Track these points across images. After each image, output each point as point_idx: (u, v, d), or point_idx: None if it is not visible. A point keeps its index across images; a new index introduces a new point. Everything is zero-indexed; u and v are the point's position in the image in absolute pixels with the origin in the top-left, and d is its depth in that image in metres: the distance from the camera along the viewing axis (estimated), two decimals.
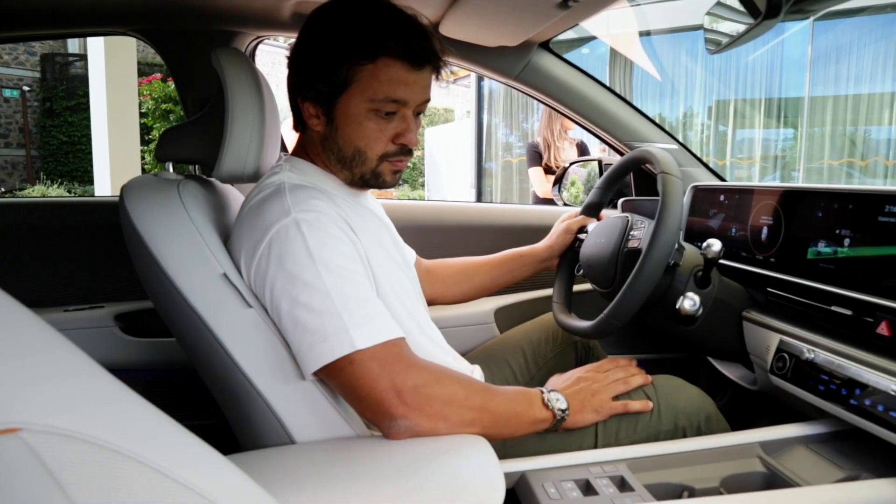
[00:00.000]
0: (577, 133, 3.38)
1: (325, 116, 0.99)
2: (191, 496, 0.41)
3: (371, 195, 1.20)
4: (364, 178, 1.03)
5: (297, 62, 0.99)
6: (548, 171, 3.32)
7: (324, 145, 1.02)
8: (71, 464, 0.35)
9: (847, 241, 1.01)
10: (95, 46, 6.38)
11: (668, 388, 1.12)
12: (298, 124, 1.06)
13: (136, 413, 0.43)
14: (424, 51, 0.95)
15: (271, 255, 0.89)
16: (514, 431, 0.96)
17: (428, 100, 1.02)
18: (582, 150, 3.30)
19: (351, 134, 0.98)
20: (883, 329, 0.92)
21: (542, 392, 1.00)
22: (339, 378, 0.86)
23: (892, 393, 0.86)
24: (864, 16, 6.87)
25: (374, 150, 0.99)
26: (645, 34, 7.81)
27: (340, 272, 0.88)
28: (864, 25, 6.90)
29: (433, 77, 1.02)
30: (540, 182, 3.36)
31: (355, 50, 0.93)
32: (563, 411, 0.98)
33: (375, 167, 1.01)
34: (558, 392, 1.01)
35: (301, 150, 1.07)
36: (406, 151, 1.02)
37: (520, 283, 1.55)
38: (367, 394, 0.84)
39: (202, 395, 1.18)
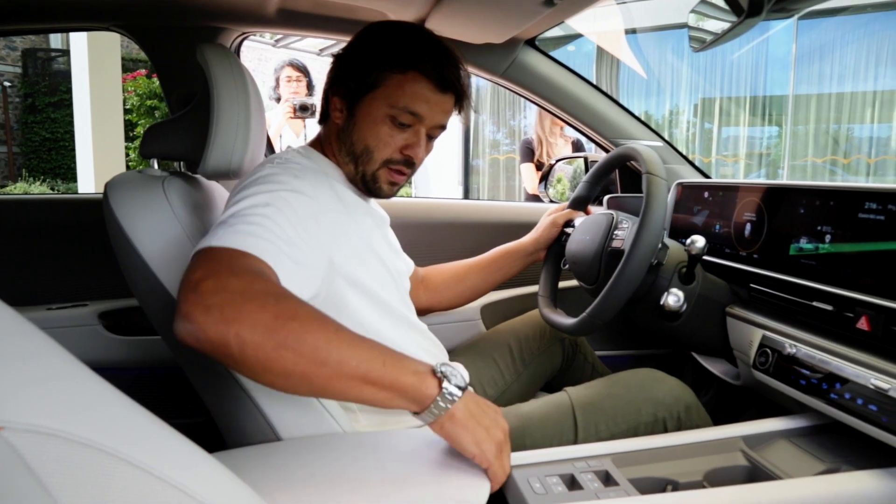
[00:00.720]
0: (574, 132, 3.39)
1: (347, 111, 1.06)
2: (180, 496, 0.41)
3: (378, 205, 1.23)
4: (365, 179, 1.07)
5: (340, 61, 1.08)
6: (539, 167, 3.34)
7: (339, 137, 1.08)
8: (54, 463, 0.35)
9: (828, 238, 1.02)
10: (78, 42, 6.31)
11: (647, 379, 1.14)
12: (323, 117, 1.13)
13: (121, 412, 0.43)
14: (452, 78, 1.03)
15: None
16: (356, 390, 0.72)
17: (444, 127, 1.08)
18: (577, 148, 3.31)
19: (365, 132, 1.04)
20: (863, 324, 0.93)
21: (438, 370, 0.77)
22: None
23: (872, 387, 0.87)
24: (845, 15, 6.94)
25: (381, 153, 1.05)
26: (631, 32, 7.84)
27: (276, 202, 0.85)
28: (847, 24, 6.98)
29: (454, 109, 1.09)
30: (530, 178, 3.38)
31: (391, 59, 1.01)
32: (451, 396, 0.75)
33: (377, 169, 1.06)
34: (461, 384, 0.77)
35: (317, 142, 1.13)
36: (408, 164, 1.07)
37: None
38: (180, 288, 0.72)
39: (188, 393, 1.17)
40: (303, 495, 0.72)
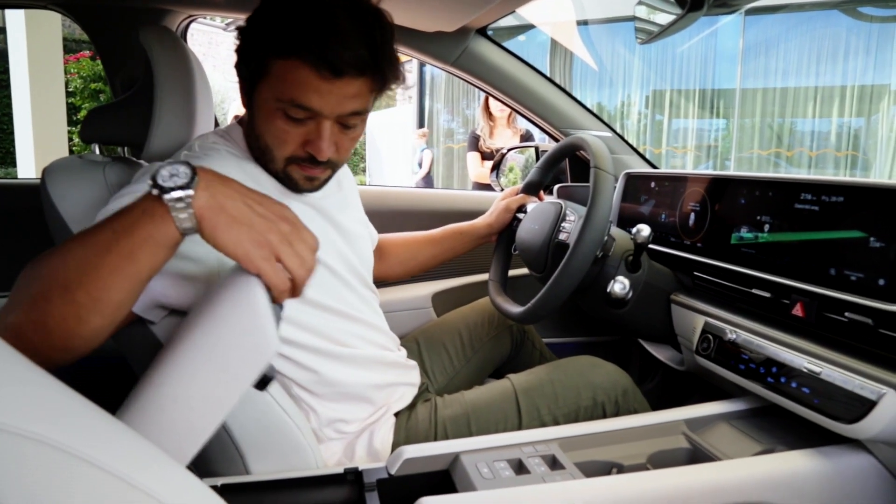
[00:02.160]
0: (524, 123, 3.45)
1: (247, 99, 0.93)
2: (142, 497, 0.39)
3: (333, 189, 1.08)
4: (277, 178, 0.96)
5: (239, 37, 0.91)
6: (484, 156, 3.42)
7: (247, 129, 0.96)
8: None
9: (767, 227, 1.05)
10: (15, 19, 6.03)
11: (586, 365, 1.18)
12: None
13: (64, 403, 0.42)
14: (344, 60, 0.83)
15: None
16: (122, 272, 0.64)
17: (360, 111, 0.90)
18: (526, 139, 3.36)
19: (262, 126, 0.91)
20: (798, 310, 0.97)
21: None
22: None
23: (805, 371, 0.91)
24: (785, 12, 7.17)
25: (281, 151, 0.91)
26: (583, 23, 7.92)
27: None
28: (789, 21, 7.21)
29: (373, 89, 0.91)
30: (473, 166, 3.46)
31: (274, 41, 0.84)
32: (182, 199, 0.62)
33: (283, 168, 0.93)
34: (182, 180, 0.62)
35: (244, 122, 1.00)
36: (314, 161, 0.91)
37: (457, 268, 1.56)
38: None
39: (132, 385, 1.15)
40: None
